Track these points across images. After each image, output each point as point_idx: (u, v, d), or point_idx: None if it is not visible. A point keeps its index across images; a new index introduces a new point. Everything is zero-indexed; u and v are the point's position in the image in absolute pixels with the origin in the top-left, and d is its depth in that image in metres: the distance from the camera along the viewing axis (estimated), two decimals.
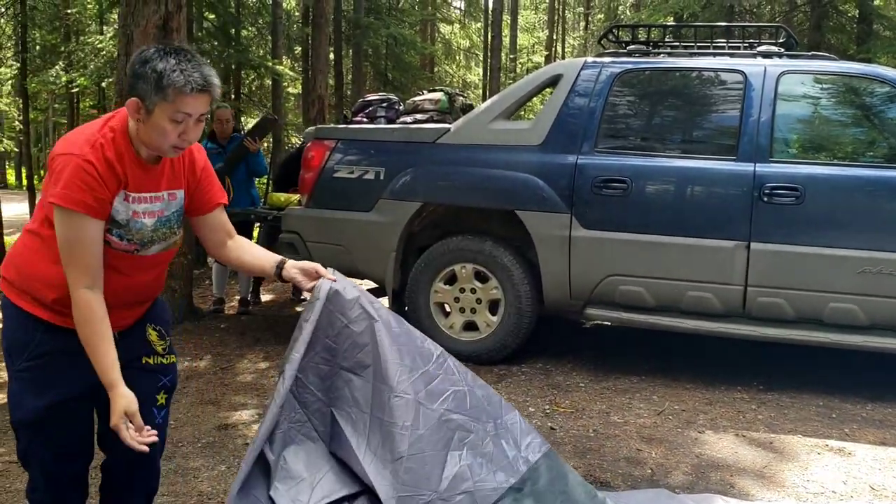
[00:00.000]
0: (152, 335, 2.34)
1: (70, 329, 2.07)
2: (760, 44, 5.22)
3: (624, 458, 3.48)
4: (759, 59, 4.79)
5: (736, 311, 4.54)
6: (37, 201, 2.61)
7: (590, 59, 5.09)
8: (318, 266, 2.32)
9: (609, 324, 5.56)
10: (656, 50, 5.25)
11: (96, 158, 2.00)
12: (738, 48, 5.22)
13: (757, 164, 4.47)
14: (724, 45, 5.31)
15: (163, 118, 2.00)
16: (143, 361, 2.29)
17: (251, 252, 2.39)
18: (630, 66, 4.93)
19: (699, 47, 5.27)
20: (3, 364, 2.29)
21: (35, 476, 2.25)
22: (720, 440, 3.73)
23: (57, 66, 13.66)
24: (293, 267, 2.31)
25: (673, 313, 4.66)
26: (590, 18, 27.10)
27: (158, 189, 2.17)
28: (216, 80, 2.06)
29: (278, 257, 2.35)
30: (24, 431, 2.19)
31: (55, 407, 2.14)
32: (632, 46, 5.22)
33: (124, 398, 2.00)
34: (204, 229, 2.36)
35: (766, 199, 4.40)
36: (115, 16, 11.48)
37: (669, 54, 5.17)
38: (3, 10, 13.39)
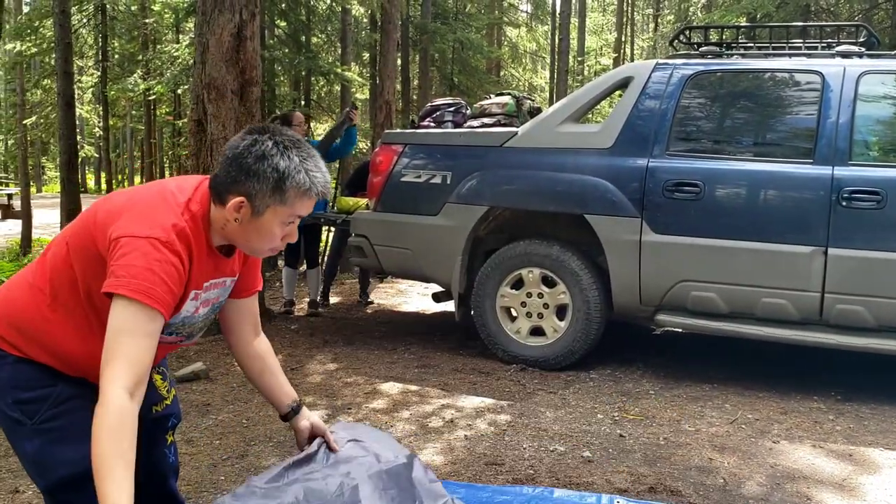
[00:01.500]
0: (157, 380, 2.13)
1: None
2: (839, 43, 5.07)
3: (695, 467, 3.42)
4: (838, 60, 4.65)
5: (812, 318, 4.41)
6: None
7: (661, 60, 5.03)
8: (326, 431, 2.10)
9: (680, 330, 5.46)
10: (729, 51, 5.15)
11: (184, 250, 1.73)
12: (816, 48, 5.07)
13: (835, 168, 4.34)
14: (801, 45, 5.17)
15: (273, 221, 1.78)
16: (154, 412, 2.10)
17: (276, 373, 2.17)
18: (702, 68, 4.84)
19: (774, 48, 5.14)
20: None
21: None
22: (796, 451, 3.63)
23: (135, 75, 14.13)
24: (305, 419, 2.10)
25: (746, 320, 4.55)
26: (659, 20, 26.69)
27: (219, 277, 1.93)
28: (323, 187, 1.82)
29: (294, 396, 2.15)
30: (72, 491, 1.81)
31: None
32: (704, 48, 5.14)
33: None
34: (233, 313, 2.12)
35: (844, 203, 4.26)
36: (191, 25, 11.82)
37: (743, 55, 5.06)
38: (85, 21, 13.91)
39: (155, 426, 2.11)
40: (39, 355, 1.82)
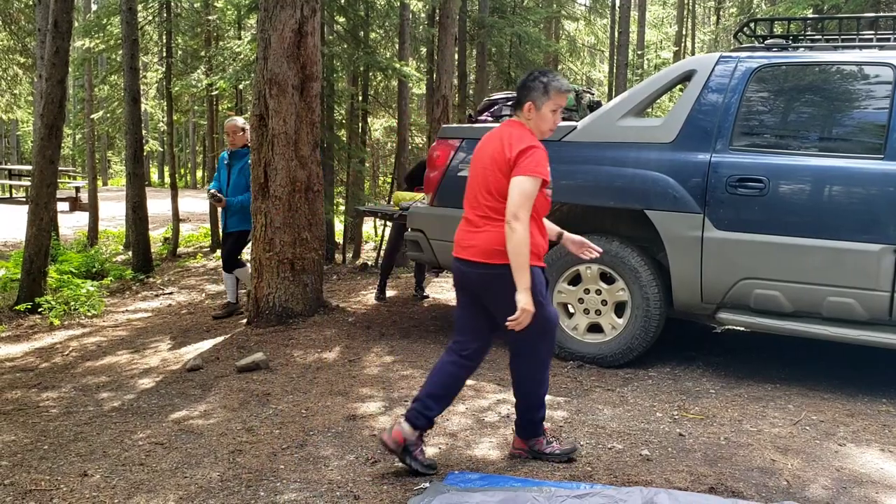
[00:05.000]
0: None
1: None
2: None
3: (757, 468, 3.35)
4: None
5: (881, 318, 4.28)
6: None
7: (725, 53, 4.93)
8: (583, 240, 3.63)
9: (742, 329, 5.36)
10: (795, 44, 5.02)
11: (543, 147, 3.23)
12: (888, 40, 4.90)
13: None
14: (872, 37, 5.01)
15: (546, 111, 3.24)
16: None
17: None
18: (768, 61, 4.73)
19: (843, 40, 4.99)
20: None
21: (548, 361, 3.38)
22: (863, 454, 3.53)
23: (198, 71, 14.38)
24: (568, 239, 3.64)
25: (811, 319, 4.44)
26: (721, 13, 26.14)
27: None
28: (570, 86, 3.39)
29: (558, 229, 3.64)
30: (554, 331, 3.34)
31: None
32: (769, 41, 5.01)
33: (531, 304, 3.07)
34: None
35: None
36: (253, 21, 11.99)
37: (810, 48, 4.92)
38: (150, 18, 14.20)
39: None
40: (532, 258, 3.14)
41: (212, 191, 7.02)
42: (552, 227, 3.58)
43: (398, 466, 3.37)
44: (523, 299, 3.04)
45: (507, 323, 3.08)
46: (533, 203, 3.11)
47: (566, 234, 3.62)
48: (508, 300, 3.11)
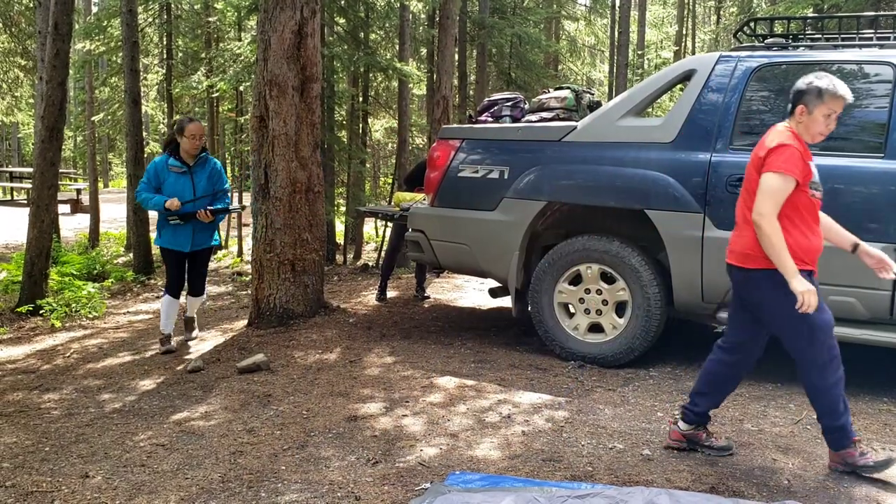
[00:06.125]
0: None
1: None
2: None
3: (758, 468, 3.35)
4: None
5: (883, 317, 4.27)
6: None
7: (725, 53, 4.92)
8: (885, 259, 3.36)
9: None
10: (795, 43, 5.01)
11: (798, 144, 3.18)
12: (888, 39, 4.90)
13: None
14: (872, 35, 5.00)
15: (819, 115, 3.16)
16: None
17: (835, 228, 3.46)
18: (768, 61, 4.72)
19: (843, 39, 4.99)
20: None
21: (829, 368, 3.28)
22: None
23: (198, 72, 14.40)
24: (864, 252, 3.39)
25: None
26: (722, 12, 26.13)
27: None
28: (849, 92, 3.18)
29: (854, 239, 3.44)
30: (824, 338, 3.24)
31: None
32: (769, 40, 5.01)
33: (808, 285, 3.07)
34: None
35: None
36: (253, 23, 12.00)
37: (810, 47, 4.92)
38: (151, 20, 14.24)
39: None
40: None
41: (209, 209, 5.67)
42: (846, 237, 3.46)
43: (399, 467, 3.37)
44: (796, 285, 3.06)
45: (798, 309, 3.09)
46: (780, 199, 3.12)
47: (862, 245, 3.41)
48: (768, 305, 3.26)
